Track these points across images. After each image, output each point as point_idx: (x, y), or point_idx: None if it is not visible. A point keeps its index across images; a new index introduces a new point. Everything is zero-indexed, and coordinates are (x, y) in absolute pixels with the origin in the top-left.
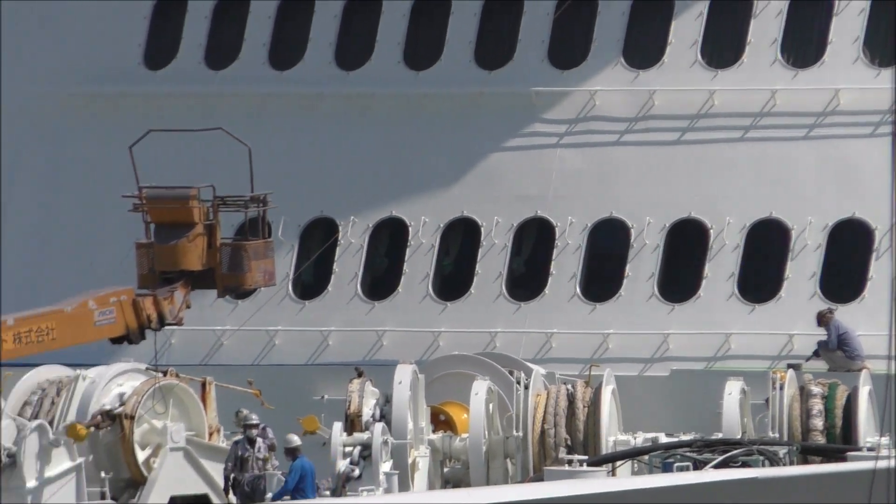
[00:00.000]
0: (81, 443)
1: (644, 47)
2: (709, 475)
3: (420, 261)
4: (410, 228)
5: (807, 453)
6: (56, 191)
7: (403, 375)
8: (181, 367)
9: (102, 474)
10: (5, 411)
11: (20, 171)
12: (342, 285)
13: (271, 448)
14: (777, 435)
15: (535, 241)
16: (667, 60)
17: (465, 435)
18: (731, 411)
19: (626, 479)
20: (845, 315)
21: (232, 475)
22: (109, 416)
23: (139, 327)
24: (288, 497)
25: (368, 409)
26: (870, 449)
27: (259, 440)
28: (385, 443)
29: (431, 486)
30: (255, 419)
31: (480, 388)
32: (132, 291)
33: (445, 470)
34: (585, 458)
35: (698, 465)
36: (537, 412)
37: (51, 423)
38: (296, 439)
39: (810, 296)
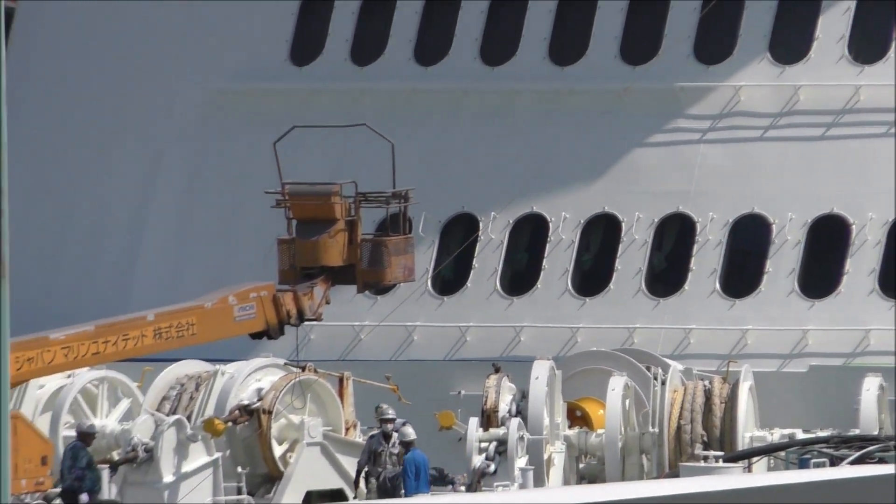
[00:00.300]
0: (219, 438)
1: (790, 42)
2: (845, 472)
3: (560, 256)
4: (551, 224)
5: None
6: (199, 186)
7: (540, 371)
8: (320, 362)
9: (239, 469)
10: (144, 406)
11: (165, 166)
12: (481, 281)
13: (410, 444)
14: None
15: (675, 237)
16: (813, 56)
17: (601, 431)
18: (869, 407)
19: (762, 476)
20: None
21: (365, 469)
22: (247, 412)
23: (279, 323)
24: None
25: (505, 404)
26: None
27: (395, 435)
28: (521, 438)
29: (567, 482)
30: (391, 414)
31: (617, 384)
32: (273, 287)
33: (581, 466)
34: (721, 454)
35: (835, 462)
36: (674, 408)
37: (189, 417)
38: (411, 433)
39: None
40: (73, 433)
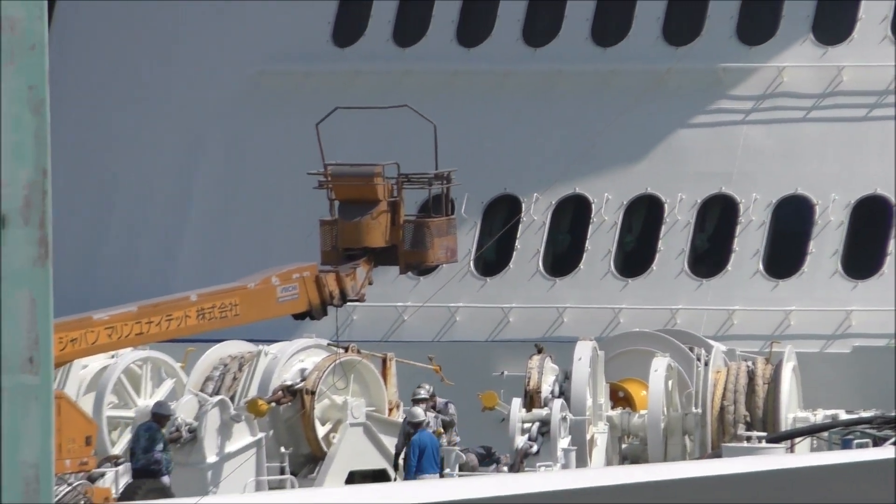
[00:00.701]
0: (262, 418)
1: (833, 23)
2: (888, 452)
3: (602, 237)
4: (593, 205)
5: None
6: (242, 167)
7: (583, 352)
8: (363, 343)
9: (282, 449)
10: (187, 387)
11: (208, 148)
12: (524, 262)
13: (450, 424)
14: None
15: (718, 218)
16: (856, 36)
17: (643, 411)
18: None
19: (804, 456)
20: None
21: (403, 451)
22: (290, 392)
23: (321, 303)
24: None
25: (548, 385)
26: None
27: (429, 415)
28: (564, 419)
29: (609, 463)
30: (422, 394)
31: (660, 365)
32: (315, 268)
33: (623, 446)
34: (764, 434)
35: (878, 442)
36: (717, 389)
37: (232, 398)
38: (418, 414)
39: None
40: (116, 413)
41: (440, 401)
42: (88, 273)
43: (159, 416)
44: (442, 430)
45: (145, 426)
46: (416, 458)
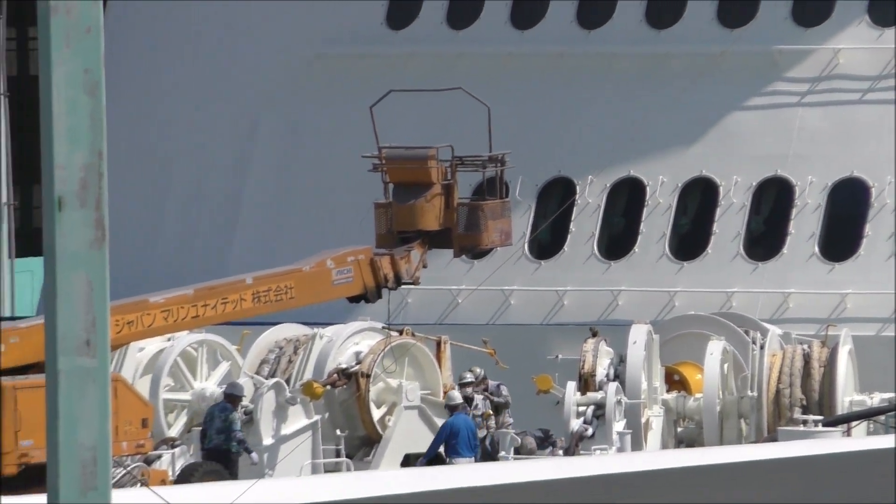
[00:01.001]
0: (317, 401)
1: (889, 5)
2: None
3: (657, 220)
4: (648, 188)
5: None
6: (296, 150)
7: (638, 335)
8: (417, 325)
9: (338, 432)
10: (243, 369)
11: (263, 131)
12: (578, 245)
13: (504, 406)
14: None
15: (773, 201)
16: None
17: (699, 395)
18: None
19: (861, 440)
20: None
21: None
22: (346, 375)
23: (376, 286)
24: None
25: (602, 368)
26: None
27: (477, 397)
28: (619, 402)
29: (665, 446)
30: (468, 377)
31: (715, 348)
32: (370, 251)
33: (679, 430)
34: (820, 418)
35: None
36: (772, 372)
37: (287, 381)
38: (455, 396)
39: None
40: (172, 396)
41: (492, 383)
42: (145, 255)
43: (232, 396)
44: (491, 413)
45: (220, 407)
46: (440, 441)
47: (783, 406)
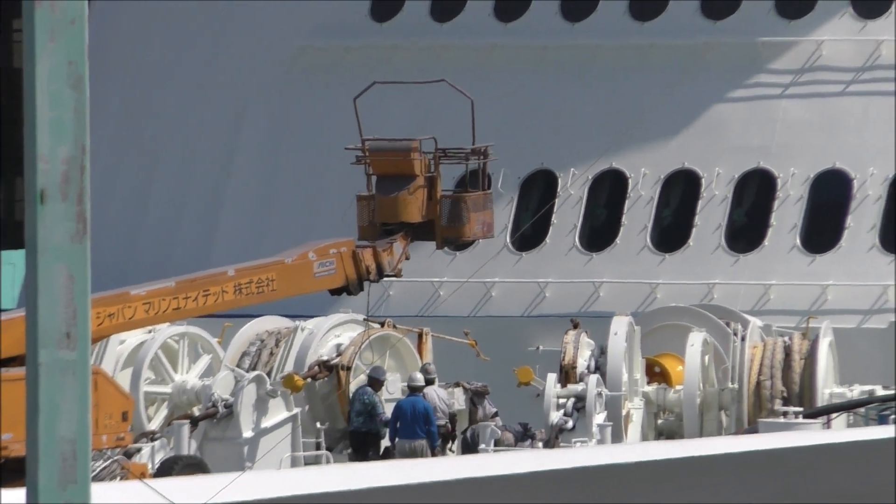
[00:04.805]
0: (298, 393)
1: None
2: None
3: (639, 212)
4: (630, 180)
5: None
6: (281, 142)
7: (619, 327)
8: (399, 318)
9: (318, 425)
10: (224, 362)
11: (247, 123)
12: (560, 237)
13: (481, 393)
14: None
15: (756, 193)
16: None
17: (679, 387)
18: None
19: (841, 432)
20: None
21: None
22: (326, 367)
23: (358, 279)
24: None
25: (583, 360)
26: None
27: (456, 390)
28: (599, 394)
29: (645, 438)
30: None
31: (696, 340)
32: (352, 243)
33: (659, 422)
34: (801, 410)
35: None
36: (753, 364)
37: (269, 373)
38: (418, 378)
39: None
40: (153, 389)
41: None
42: (128, 248)
43: (374, 380)
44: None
45: (361, 390)
46: (391, 424)
47: (764, 398)
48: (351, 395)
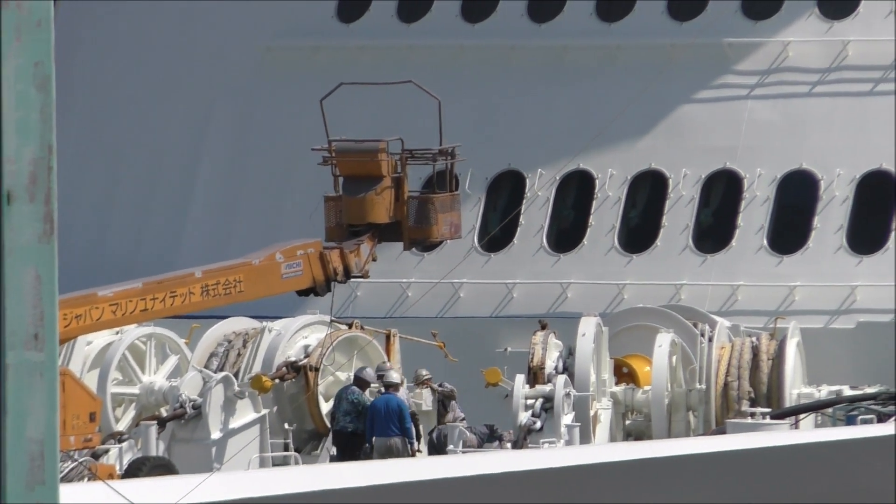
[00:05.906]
0: (266, 394)
1: None
2: (892, 428)
3: (606, 213)
4: (597, 181)
5: None
6: (248, 143)
7: (587, 328)
8: (366, 319)
9: (286, 426)
10: (192, 363)
11: (214, 124)
12: (528, 238)
13: (449, 396)
14: None
15: (722, 193)
16: (861, 11)
17: (647, 387)
18: None
19: (809, 432)
20: None
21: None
22: (294, 368)
23: (325, 280)
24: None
25: (551, 361)
26: None
27: (425, 391)
28: (567, 395)
29: (613, 439)
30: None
31: (664, 341)
32: (319, 244)
33: (627, 422)
34: (769, 410)
35: (882, 418)
36: (721, 365)
37: (236, 374)
38: (394, 377)
39: None
40: (120, 390)
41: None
42: (95, 249)
43: (361, 380)
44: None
45: (348, 390)
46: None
47: (731, 398)
48: (335, 395)
